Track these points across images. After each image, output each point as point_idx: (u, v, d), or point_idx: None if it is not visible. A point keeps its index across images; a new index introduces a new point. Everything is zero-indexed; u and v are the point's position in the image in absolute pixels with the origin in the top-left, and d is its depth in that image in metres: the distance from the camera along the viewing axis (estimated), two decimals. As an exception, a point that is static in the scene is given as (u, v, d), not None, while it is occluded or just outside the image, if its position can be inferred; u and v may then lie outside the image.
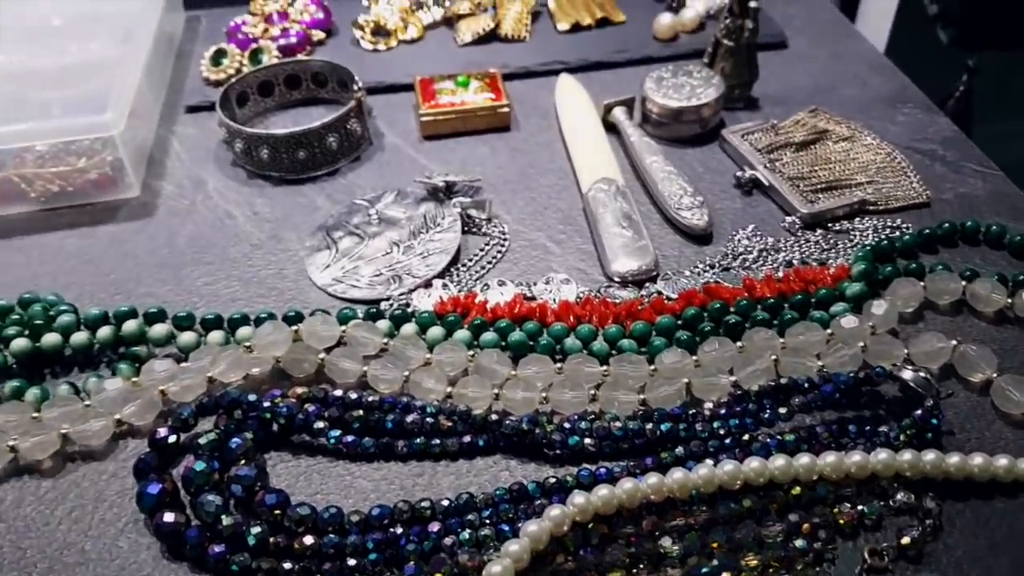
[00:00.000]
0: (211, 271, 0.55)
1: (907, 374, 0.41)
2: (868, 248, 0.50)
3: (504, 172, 0.62)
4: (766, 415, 0.41)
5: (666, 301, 0.49)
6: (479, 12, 0.78)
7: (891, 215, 0.55)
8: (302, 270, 0.54)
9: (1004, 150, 0.89)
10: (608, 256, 0.52)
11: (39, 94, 0.65)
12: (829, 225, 0.54)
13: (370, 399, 0.43)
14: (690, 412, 0.41)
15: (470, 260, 0.54)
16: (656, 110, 0.62)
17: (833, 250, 0.52)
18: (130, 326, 0.49)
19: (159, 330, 0.48)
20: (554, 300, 0.50)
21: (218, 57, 0.72)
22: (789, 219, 0.54)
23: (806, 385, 0.42)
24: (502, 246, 0.55)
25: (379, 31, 0.77)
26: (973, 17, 0.78)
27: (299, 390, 0.44)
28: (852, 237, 0.53)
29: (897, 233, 0.53)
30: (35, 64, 0.68)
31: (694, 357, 0.44)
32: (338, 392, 0.43)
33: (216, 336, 0.48)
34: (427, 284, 0.52)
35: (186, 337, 0.48)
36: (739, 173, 0.57)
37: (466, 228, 0.56)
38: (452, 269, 0.53)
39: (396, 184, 0.61)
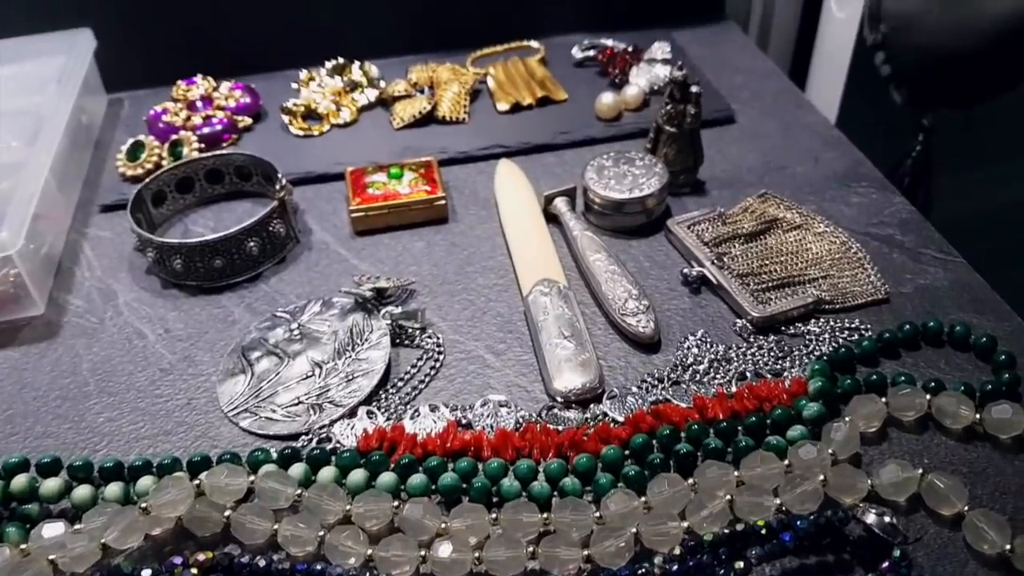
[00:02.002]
0: (115, 404, 0.50)
1: (871, 518, 0.37)
2: (825, 360, 0.47)
3: (441, 271, 0.58)
4: (721, 571, 0.37)
5: (612, 425, 0.45)
6: (415, 93, 0.74)
7: (848, 314, 0.52)
8: (214, 398, 0.49)
9: (965, 200, 0.88)
10: (550, 371, 0.48)
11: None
12: (783, 328, 0.50)
13: (281, 566, 0.38)
14: (640, 572, 0.37)
15: (400, 380, 0.50)
16: (598, 201, 0.58)
17: (788, 358, 0.49)
18: (20, 481, 0.44)
19: (52, 485, 0.43)
20: (491, 428, 0.46)
21: (135, 150, 0.68)
22: (740, 322, 0.51)
23: (763, 532, 0.38)
24: (436, 360, 0.51)
25: (310, 115, 0.74)
26: (927, 75, 0.76)
27: (202, 556, 0.39)
28: (808, 342, 0.49)
29: (855, 337, 0.49)
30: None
31: (643, 499, 0.40)
32: (245, 559, 0.39)
33: (114, 490, 0.43)
34: (351, 413, 0.47)
35: (81, 492, 0.43)
36: (686, 271, 0.54)
37: (397, 340, 0.52)
38: (380, 392, 0.49)
39: (325, 289, 0.57)
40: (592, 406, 0.47)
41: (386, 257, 0.60)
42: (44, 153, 0.60)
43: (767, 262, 0.54)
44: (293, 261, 0.60)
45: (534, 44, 0.79)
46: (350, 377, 0.49)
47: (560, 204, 0.60)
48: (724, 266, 0.54)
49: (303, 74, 0.76)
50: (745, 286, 0.52)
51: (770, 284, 0.52)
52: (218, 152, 0.65)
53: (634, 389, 0.47)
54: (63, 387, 0.51)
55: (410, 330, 0.52)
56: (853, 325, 0.50)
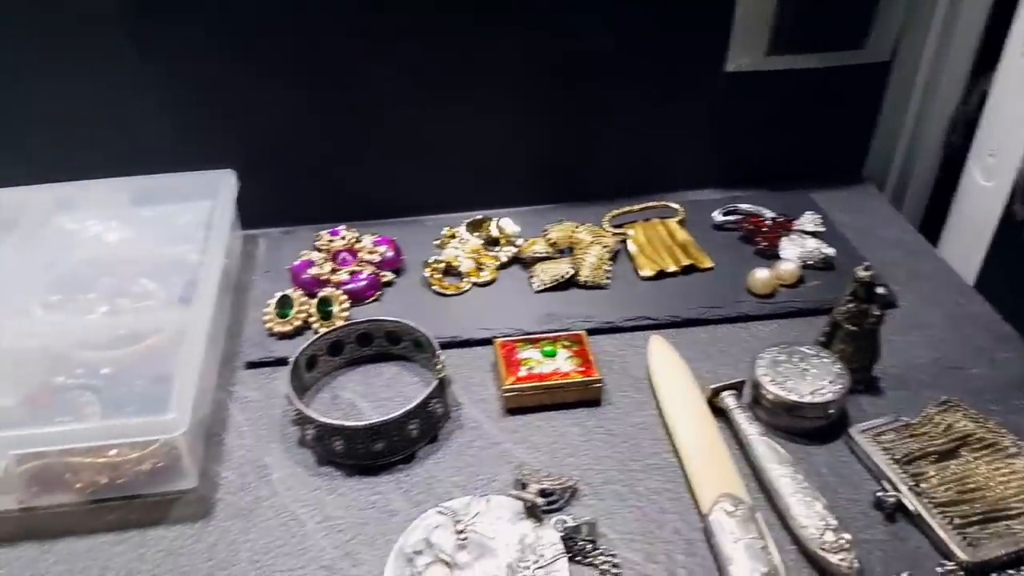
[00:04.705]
0: (279, 609, 0.47)
1: None
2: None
3: (602, 465, 0.55)
4: None
5: None
6: (554, 254, 0.73)
7: (1064, 558, 0.48)
8: (383, 611, 0.47)
9: None
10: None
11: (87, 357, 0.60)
12: (994, 575, 0.47)
13: None
14: None
15: (579, 605, 0.47)
16: (772, 399, 0.56)
17: (1010, 615, 0.45)
18: None
19: None
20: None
21: (283, 306, 0.67)
22: (948, 565, 0.47)
23: None
24: (614, 582, 0.48)
25: (450, 271, 0.73)
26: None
27: None
28: (1027, 591, 0.46)
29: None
30: (83, 323, 0.63)
31: None
32: None
33: None
34: (533, 644, 0.44)
35: None
36: (881, 494, 0.50)
37: (569, 556, 0.49)
38: (559, 617, 0.46)
39: (481, 477, 0.55)
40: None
41: (541, 443, 0.57)
42: (202, 318, 0.59)
43: (967, 490, 0.50)
44: (446, 440, 0.58)
45: (674, 205, 0.78)
46: (527, 598, 0.46)
47: (729, 399, 0.57)
48: (921, 492, 0.50)
49: (444, 231, 0.76)
50: (947, 519, 0.49)
51: (974, 518, 0.49)
52: (372, 318, 0.64)
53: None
54: (222, 583, 0.49)
55: (580, 542, 0.50)
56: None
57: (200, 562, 0.50)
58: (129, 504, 0.54)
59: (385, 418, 0.55)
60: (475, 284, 0.72)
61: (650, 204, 0.78)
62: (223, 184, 0.72)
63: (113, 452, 0.54)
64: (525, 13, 0.72)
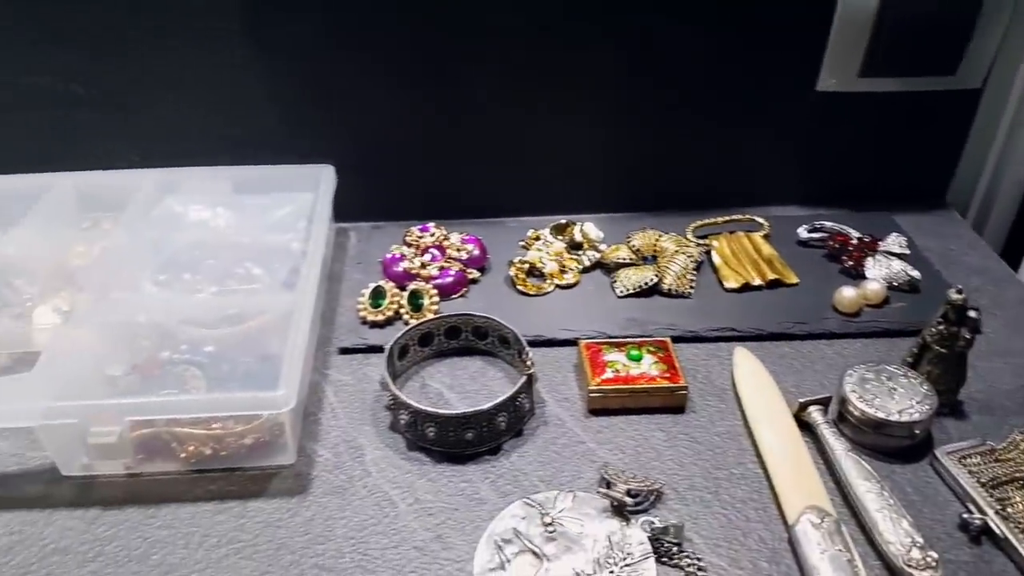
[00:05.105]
0: (373, 585, 0.50)
1: None
2: None
3: (687, 471, 0.56)
4: None
5: None
6: (637, 261, 0.75)
7: None
8: (473, 593, 0.49)
9: None
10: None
11: (192, 334, 0.63)
12: (1085, 603, 0.47)
13: None
14: None
15: (664, 602, 0.48)
16: (859, 416, 0.56)
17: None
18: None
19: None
20: None
21: (376, 296, 0.70)
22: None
23: None
24: (698, 584, 0.49)
25: (533, 272, 0.75)
26: None
27: None
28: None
29: None
30: (191, 302, 0.66)
31: None
32: None
33: None
34: (622, 637, 0.46)
35: None
36: (966, 515, 0.51)
37: (655, 556, 0.50)
38: (644, 613, 0.47)
39: (566, 473, 0.56)
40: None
41: (625, 445, 0.59)
42: (306, 303, 0.62)
43: (1056, 518, 0.50)
44: (531, 435, 0.60)
45: (759, 219, 0.79)
46: (614, 592, 0.48)
47: (815, 414, 0.58)
48: (1008, 517, 0.50)
49: (529, 233, 0.78)
50: (1036, 546, 0.49)
51: (1063, 546, 0.49)
52: (461, 312, 0.66)
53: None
54: (319, 554, 0.51)
55: (666, 544, 0.51)
56: None
57: (298, 535, 0.53)
58: (229, 476, 0.57)
59: (477, 408, 0.57)
60: (558, 286, 0.74)
61: (735, 217, 0.79)
62: (323, 178, 0.75)
63: (217, 425, 0.57)
64: (624, 25, 0.74)
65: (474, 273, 0.74)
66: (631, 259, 0.75)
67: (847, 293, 0.68)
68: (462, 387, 0.64)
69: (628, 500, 0.52)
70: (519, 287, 0.73)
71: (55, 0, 0.71)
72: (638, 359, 0.63)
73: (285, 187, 0.76)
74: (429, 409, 0.57)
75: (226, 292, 0.66)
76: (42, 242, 0.71)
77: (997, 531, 0.50)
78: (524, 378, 0.59)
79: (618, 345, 0.64)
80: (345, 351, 0.67)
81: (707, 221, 0.79)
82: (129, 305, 0.64)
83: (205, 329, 0.63)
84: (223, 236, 0.72)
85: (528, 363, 0.60)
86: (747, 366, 0.63)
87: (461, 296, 0.72)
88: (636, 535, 0.51)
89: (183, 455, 0.57)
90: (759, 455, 0.57)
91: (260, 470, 0.57)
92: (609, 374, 0.61)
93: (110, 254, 0.68)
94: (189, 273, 0.68)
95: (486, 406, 0.57)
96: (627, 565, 0.49)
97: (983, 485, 0.53)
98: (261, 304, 0.64)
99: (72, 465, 0.57)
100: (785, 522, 0.52)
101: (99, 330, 0.62)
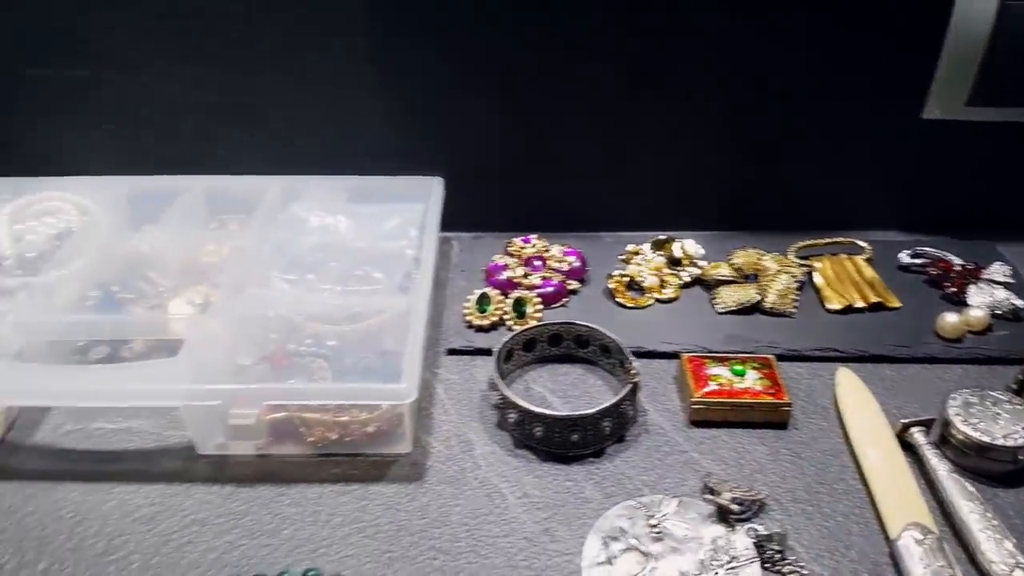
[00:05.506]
0: (488, 567, 0.53)
1: None
2: None
3: (789, 484, 0.58)
4: None
5: None
6: (738, 278, 0.76)
7: None
8: (579, 583, 0.51)
9: None
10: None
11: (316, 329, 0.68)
12: None
13: None
14: None
15: (767, 606, 0.50)
16: (962, 439, 0.57)
17: None
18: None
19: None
20: None
21: (482, 302, 0.74)
22: None
23: None
24: (800, 589, 0.51)
25: (632, 286, 0.77)
26: None
27: None
28: None
29: None
30: (318, 300, 0.71)
31: None
32: None
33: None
34: (727, 635, 0.48)
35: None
36: (1074, 542, 0.51)
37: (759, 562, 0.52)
38: (749, 616, 0.49)
39: (669, 480, 0.59)
40: None
41: (727, 456, 0.61)
42: (421, 304, 0.66)
43: None
44: (633, 442, 0.62)
45: (861, 242, 0.80)
46: (720, 594, 0.50)
47: (918, 435, 0.59)
48: (1118, 546, 0.50)
49: (629, 247, 0.81)
50: None
51: None
52: (564, 320, 0.69)
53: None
54: (435, 538, 0.55)
55: (770, 551, 0.53)
56: None
57: (416, 519, 0.56)
58: (352, 461, 0.61)
59: (583, 412, 0.59)
60: (657, 300, 0.76)
61: (838, 239, 0.80)
62: (433, 189, 0.80)
63: (343, 414, 0.61)
64: (729, 49, 0.76)
65: (573, 284, 0.77)
66: (732, 276, 0.76)
67: (950, 319, 0.69)
68: (564, 392, 0.67)
69: (734, 507, 0.53)
70: (618, 299, 0.76)
71: (197, 21, 0.77)
72: (742, 374, 0.64)
73: (397, 197, 0.81)
74: (538, 410, 0.60)
75: (347, 292, 0.71)
76: (174, 240, 0.77)
77: (1107, 560, 0.50)
78: (629, 386, 0.62)
79: (721, 360, 0.66)
80: (453, 352, 0.71)
81: (809, 242, 0.80)
82: (261, 300, 0.69)
83: (329, 325, 0.67)
84: (343, 241, 0.76)
85: (632, 371, 0.63)
86: (850, 385, 0.64)
87: (561, 306, 0.75)
88: (741, 540, 0.52)
89: (311, 439, 0.61)
90: (860, 473, 0.58)
91: (380, 456, 0.61)
92: (712, 387, 0.63)
93: (240, 253, 0.74)
94: (313, 274, 0.73)
95: (592, 410, 0.59)
96: (732, 568, 0.51)
97: (1093, 514, 0.53)
98: (379, 304, 0.68)
99: (208, 444, 0.62)
100: (887, 537, 0.53)
101: (233, 322, 0.67)
